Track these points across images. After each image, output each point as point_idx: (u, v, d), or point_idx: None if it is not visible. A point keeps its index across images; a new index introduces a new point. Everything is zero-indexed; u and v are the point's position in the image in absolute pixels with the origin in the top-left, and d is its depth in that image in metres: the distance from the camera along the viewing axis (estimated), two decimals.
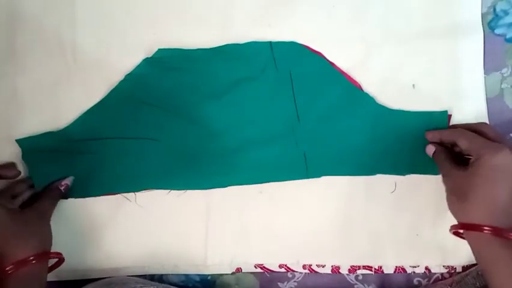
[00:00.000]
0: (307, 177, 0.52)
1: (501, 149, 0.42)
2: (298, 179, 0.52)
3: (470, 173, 0.43)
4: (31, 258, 0.43)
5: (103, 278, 0.52)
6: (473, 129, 0.47)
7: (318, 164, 0.52)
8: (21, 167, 0.53)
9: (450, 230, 0.45)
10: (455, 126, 0.50)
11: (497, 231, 0.40)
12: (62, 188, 0.51)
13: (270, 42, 0.53)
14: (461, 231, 0.44)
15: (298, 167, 0.52)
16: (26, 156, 0.53)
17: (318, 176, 0.52)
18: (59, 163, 0.53)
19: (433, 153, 0.49)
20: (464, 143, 0.45)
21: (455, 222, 0.50)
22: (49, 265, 0.48)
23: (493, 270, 0.40)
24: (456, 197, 0.44)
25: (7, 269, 0.42)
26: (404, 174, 0.52)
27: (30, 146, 0.53)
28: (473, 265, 0.50)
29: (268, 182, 0.52)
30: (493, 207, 0.41)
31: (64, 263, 0.50)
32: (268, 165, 0.52)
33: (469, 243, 0.43)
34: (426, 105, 0.52)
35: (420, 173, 0.52)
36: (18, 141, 0.52)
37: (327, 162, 0.52)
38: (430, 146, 0.49)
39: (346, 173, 0.52)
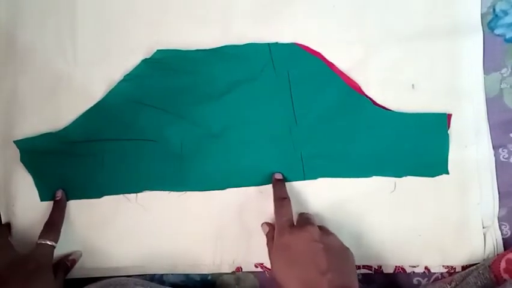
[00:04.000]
0: (304, 179, 0.52)
1: (282, 232, 0.45)
2: (295, 180, 0.53)
3: (272, 263, 0.45)
4: None
5: (103, 278, 0.52)
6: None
7: (315, 166, 0.52)
8: (19, 168, 0.53)
9: None
10: None
11: None
12: (68, 263, 0.52)
13: (269, 44, 0.53)
14: None
15: (295, 169, 0.52)
16: (24, 157, 0.53)
17: (315, 177, 0.52)
18: (57, 165, 0.53)
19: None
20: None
21: (456, 220, 0.51)
22: None
23: None
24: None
25: None
26: (401, 176, 0.52)
27: (29, 147, 0.53)
28: (473, 265, 0.50)
29: (266, 184, 0.53)
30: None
31: None
32: (265, 167, 0.53)
33: None
34: (425, 105, 0.52)
35: (418, 175, 0.52)
36: (17, 142, 0.53)
37: (324, 164, 0.52)
38: (264, 225, 0.51)
39: (343, 175, 0.52)
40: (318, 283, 0.40)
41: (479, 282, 0.46)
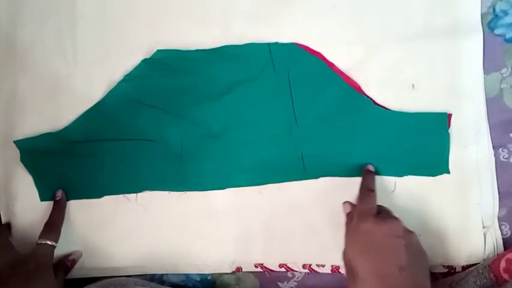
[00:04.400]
0: (305, 179, 0.52)
1: (364, 218, 0.43)
2: (296, 180, 0.53)
3: (347, 246, 0.44)
4: None
5: (103, 278, 0.52)
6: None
7: (316, 166, 0.52)
8: (19, 168, 0.53)
9: None
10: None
11: None
12: (68, 263, 0.52)
13: (269, 43, 0.53)
14: None
15: (295, 168, 0.52)
16: (24, 157, 0.53)
17: (316, 177, 0.52)
18: (57, 165, 0.53)
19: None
20: None
21: (456, 220, 0.51)
22: None
23: None
24: (349, 277, 0.43)
25: None
26: (401, 176, 0.52)
27: (29, 147, 0.53)
28: (473, 265, 0.50)
29: (266, 183, 0.53)
30: (377, 279, 0.40)
31: None
32: (266, 167, 0.53)
33: None
34: (425, 105, 0.52)
35: (418, 175, 0.52)
36: (17, 142, 0.53)
37: (325, 163, 0.52)
38: (346, 204, 0.49)
39: (343, 175, 0.52)
40: (394, 278, 0.40)
41: (478, 282, 0.46)
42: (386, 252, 0.41)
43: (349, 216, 0.48)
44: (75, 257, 0.53)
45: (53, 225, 0.51)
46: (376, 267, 0.41)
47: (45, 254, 0.49)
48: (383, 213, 0.45)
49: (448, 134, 0.51)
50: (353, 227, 0.44)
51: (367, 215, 0.44)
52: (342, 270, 0.53)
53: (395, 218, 0.44)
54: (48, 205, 0.53)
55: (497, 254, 0.49)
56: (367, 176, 0.50)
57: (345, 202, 0.50)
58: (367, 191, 0.47)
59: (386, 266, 0.41)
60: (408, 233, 0.43)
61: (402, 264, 0.40)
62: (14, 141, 0.53)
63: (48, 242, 0.49)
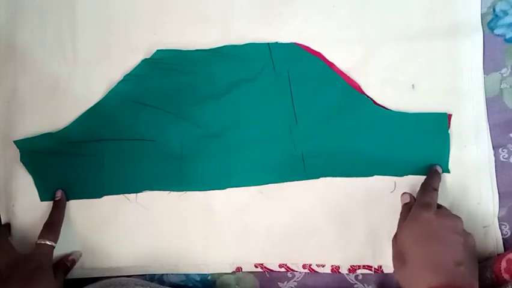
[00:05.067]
0: (306, 179, 0.52)
1: (426, 208, 0.44)
2: (297, 180, 0.52)
3: (402, 231, 0.45)
4: None
5: (103, 278, 0.52)
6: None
7: (316, 166, 0.52)
8: (19, 168, 0.53)
9: None
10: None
11: None
12: (68, 263, 0.52)
13: (269, 43, 0.53)
14: None
15: (296, 168, 0.52)
16: (24, 157, 0.53)
17: (316, 177, 0.52)
18: (57, 165, 0.53)
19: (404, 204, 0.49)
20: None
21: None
22: None
23: None
24: (397, 261, 0.45)
25: None
26: (402, 176, 0.52)
27: (29, 147, 0.53)
28: None
29: (267, 183, 0.53)
30: (431, 267, 0.41)
31: None
32: (266, 167, 0.53)
33: None
34: (425, 105, 0.52)
35: (418, 175, 0.51)
36: (16, 142, 0.53)
37: (325, 163, 0.52)
38: (406, 195, 0.50)
39: (344, 175, 0.52)
40: (449, 270, 0.41)
41: (479, 282, 0.46)
42: (445, 245, 0.42)
43: (406, 206, 0.48)
44: (75, 257, 0.53)
45: (53, 225, 0.51)
46: (431, 256, 0.42)
47: (45, 253, 0.49)
48: (444, 210, 0.46)
49: (448, 134, 0.51)
50: (412, 215, 0.45)
51: (430, 206, 0.44)
52: (342, 270, 0.53)
53: (457, 217, 0.44)
54: (48, 205, 0.53)
55: (498, 254, 0.49)
56: (433, 175, 0.50)
57: (404, 193, 0.50)
58: (431, 188, 0.48)
59: (442, 257, 0.41)
60: (467, 233, 0.44)
61: (459, 259, 0.41)
62: (14, 141, 0.53)
63: (48, 242, 0.49)
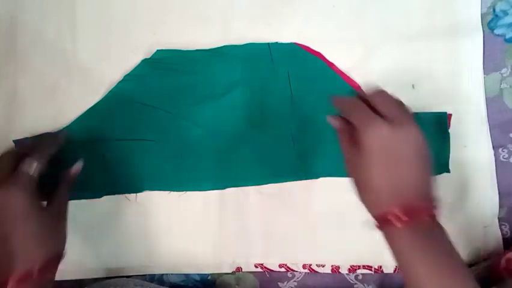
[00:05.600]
0: (305, 179, 0.52)
1: (375, 123, 0.37)
2: (297, 180, 0.53)
3: (357, 154, 0.38)
4: (38, 268, 0.39)
5: (103, 278, 0.52)
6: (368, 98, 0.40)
7: (316, 166, 0.52)
8: None
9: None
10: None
11: (407, 212, 0.36)
12: (74, 173, 0.48)
13: (269, 43, 0.53)
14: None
15: (296, 169, 0.52)
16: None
17: (316, 177, 0.52)
18: (56, 165, 0.53)
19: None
20: (352, 119, 0.39)
21: (456, 220, 0.50)
22: None
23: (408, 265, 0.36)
24: (358, 187, 0.40)
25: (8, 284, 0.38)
26: None
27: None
28: (473, 265, 0.50)
29: (267, 183, 0.53)
30: (394, 188, 0.37)
31: (64, 262, 0.50)
32: (266, 167, 0.53)
33: (386, 240, 0.38)
34: (425, 105, 0.52)
35: None
36: (16, 142, 0.53)
37: (325, 163, 0.52)
38: (332, 119, 0.43)
39: (344, 175, 0.52)
40: (402, 197, 0.37)
41: (478, 281, 0.46)
42: (411, 165, 0.37)
43: (343, 130, 0.42)
44: (76, 169, 0.48)
45: (40, 142, 0.45)
46: (388, 179, 0.37)
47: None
48: (397, 116, 0.38)
49: (448, 134, 0.51)
50: (365, 143, 0.38)
51: (375, 120, 0.38)
52: (342, 270, 0.53)
53: (413, 123, 0.39)
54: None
55: (498, 254, 0.49)
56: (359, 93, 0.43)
57: (329, 116, 0.43)
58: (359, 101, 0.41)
59: (399, 178, 0.37)
60: (423, 136, 0.39)
61: (411, 182, 0.37)
62: (13, 141, 0.53)
63: (34, 173, 0.42)
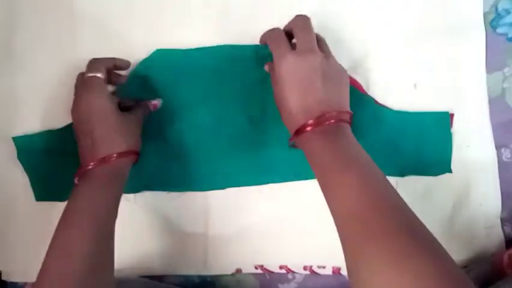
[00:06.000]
0: (306, 178, 0.52)
1: (284, 53, 0.43)
2: (297, 180, 0.52)
3: (275, 83, 0.45)
4: (115, 155, 0.45)
5: None
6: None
7: None
8: (17, 165, 0.53)
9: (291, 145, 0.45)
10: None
11: (318, 122, 0.41)
12: (152, 107, 0.52)
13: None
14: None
15: (296, 168, 0.52)
16: (21, 155, 0.52)
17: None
18: (55, 163, 0.53)
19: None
20: (271, 51, 0.45)
21: (458, 220, 0.50)
22: None
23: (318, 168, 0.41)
24: (280, 112, 0.45)
25: (91, 165, 0.44)
26: (403, 176, 0.51)
27: (27, 144, 0.52)
28: (473, 264, 0.50)
29: (267, 183, 0.52)
30: (304, 106, 0.42)
31: None
32: (266, 167, 0.52)
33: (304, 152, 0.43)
34: (427, 105, 0.51)
35: (420, 175, 0.51)
36: (15, 139, 0.52)
37: None
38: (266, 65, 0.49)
39: None
40: (311, 109, 0.42)
41: (481, 277, 0.46)
42: (306, 87, 0.42)
43: (270, 66, 0.47)
44: (157, 102, 0.52)
45: (101, 60, 0.49)
46: (299, 103, 0.42)
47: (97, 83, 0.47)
48: (301, 46, 0.44)
49: (451, 134, 0.50)
50: (276, 73, 0.44)
51: (284, 54, 0.43)
52: (343, 272, 0.52)
53: (312, 51, 0.43)
54: (47, 205, 0.52)
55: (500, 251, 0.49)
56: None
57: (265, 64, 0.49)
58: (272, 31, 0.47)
59: (306, 100, 0.42)
60: (326, 61, 0.43)
61: (319, 97, 0.42)
62: (13, 138, 0.52)
63: (98, 75, 0.47)
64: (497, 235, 0.51)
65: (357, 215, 0.36)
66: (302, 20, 0.45)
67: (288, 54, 0.43)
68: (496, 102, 0.52)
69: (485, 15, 0.52)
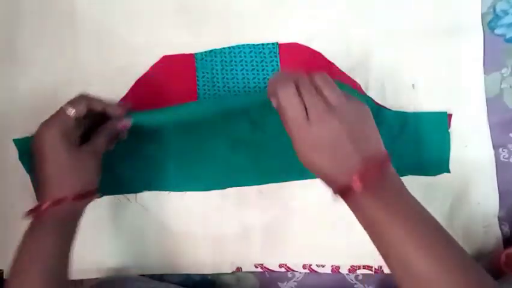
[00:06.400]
0: (305, 178, 0.52)
1: (301, 131, 0.39)
2: (296, 179, 0.52)
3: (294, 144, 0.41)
4: (68, 197, 0.43)
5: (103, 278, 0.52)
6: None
7: None
8: (17, 166, 0.53)
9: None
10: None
11: (362, 177, 0.37)
12: (120, 127, 0.47)
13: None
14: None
15: (295, 168, 0.52)
16: (22, 156, 0.52)
17: (316, 176, 0.52)
18: None
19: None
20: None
21: (456, 219, 0.50)
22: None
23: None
24: (312, 171, 0.41)
25: (43, 206, 0.42)
26: (402, 176, 0.52)
27: (27, 146, 0.52)
28: None
29: (267, 183, 0.53)
30: (339, 165, 0.39)
31: None
32: (266, 167, 0.52)
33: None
34: (426, 105, 0.52)
35: (419, 174, 0.51)
36: (16, 141, 0.52)
37: None
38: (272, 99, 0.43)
39: None
40: (348, 166, 0.38)
41: None
42: (333, 146, 0.39)
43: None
44: (127, 123, 0.47)
45: (82, 97, 0.45)
46: (329, 163, 0.39)
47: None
48: (313, 112, 0.39)
49: (449, 134, 0.51)
50: (296, 140, 0.41)
51: (298, 121, 0.40)
52: (343, 270, 0.53)
53: (326, 111, 0.39)
54: None
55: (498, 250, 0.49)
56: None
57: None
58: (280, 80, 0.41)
59: (337, 157, 0.39)
60: (343, 112, 0.39)
61: (350, 151, 0.39)
62: (14, 140, 0.52)
63: (68, 110, 0.44)
64: (494, 234, 0.51)
65: (424, 277, 0.35)
66: (307, 82, 0.41)
67: (305, 125, 0.39)
68: (493, 103, 0.52)
69: (483, 16, 0.52)
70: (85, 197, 0.44)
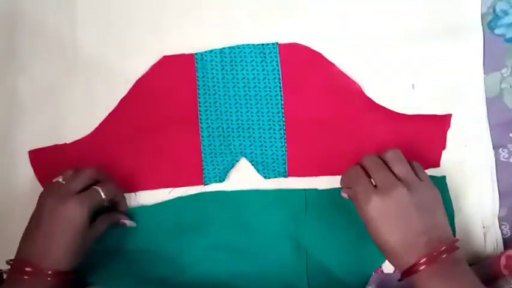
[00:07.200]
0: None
1: (369, 199, 0.42)
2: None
3: (365, 224, 0.43)
4: (50, 272, 0.42)
5: None
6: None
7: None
8: (19, 168, 0.53)
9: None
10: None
11: (431, 260, 0.40)
12: (119, 222, 0.50)
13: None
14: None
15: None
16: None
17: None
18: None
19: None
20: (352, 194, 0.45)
21: (456, 220, 0.50)
22: None
23: None
24: (381, 250, 0.44)
25: (25, 270, 0.42)
26: None
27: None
28: (471, 265, 0.50)
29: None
30: (407, 245, 0.41)
31: None
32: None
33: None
34: (425, 106, 0.52)
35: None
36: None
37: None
38: (343, 192, 0.48)
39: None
40: (416, 245, 0.40)
41: (477, 278, 0.46)
42: (401, 222, 0.41)
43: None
44: (127, 222, 0.50)
45: (107, 180, 0.48)
46: (398, 239, 0.41)
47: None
48: (383, 184, 0.42)
49: (449, 197, 0.50)
50: (364, 213, 0.43)
51: (367, 194, 0.42)
52: None
53: (396, 185, 0.42)
54: None
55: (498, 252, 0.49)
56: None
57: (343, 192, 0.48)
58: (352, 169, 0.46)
59: (405, 235, 0.41)
60: (414, 190, 0.42)
61: (418, 229, 0.41)
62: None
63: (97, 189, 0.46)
64: (494, 234, 0.51)
65: None
66: (371, 158, 0.45)
67: (372, 195, 0.42)
68: (493, 103, 0.52)
69: (483, 16, 0.52)
70: (67, 276, 0.44)
